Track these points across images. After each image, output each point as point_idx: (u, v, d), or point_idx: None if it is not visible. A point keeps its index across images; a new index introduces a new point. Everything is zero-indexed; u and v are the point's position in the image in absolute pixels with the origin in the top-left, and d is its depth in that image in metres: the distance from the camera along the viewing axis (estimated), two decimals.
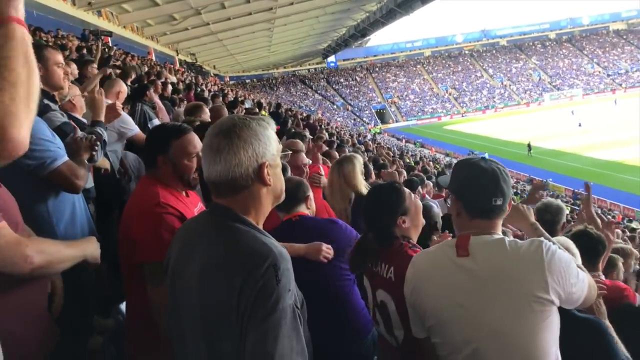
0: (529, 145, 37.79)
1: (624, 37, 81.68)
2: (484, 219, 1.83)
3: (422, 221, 2.39)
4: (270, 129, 1.55)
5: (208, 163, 1.49)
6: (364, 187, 3.89)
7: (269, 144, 1.52)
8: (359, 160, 4.02)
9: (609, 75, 73.23)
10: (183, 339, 1.55)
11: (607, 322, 2.27)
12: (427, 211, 3.42)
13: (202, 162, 1.53)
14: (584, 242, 3.12)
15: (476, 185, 1.84)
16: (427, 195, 6.81)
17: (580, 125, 44.87)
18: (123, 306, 2.80)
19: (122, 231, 2.29)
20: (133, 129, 4.31)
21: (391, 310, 2.16)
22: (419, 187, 6.57)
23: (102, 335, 2.67)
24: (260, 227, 1.54)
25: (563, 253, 1.74)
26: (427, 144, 47.79)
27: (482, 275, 1.73)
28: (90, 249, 2.00)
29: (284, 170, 3.14)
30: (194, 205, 2.36)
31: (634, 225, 16.87)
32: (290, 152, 2.80)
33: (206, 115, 4.94)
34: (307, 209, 2.80)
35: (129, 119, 4.44)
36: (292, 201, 2.71)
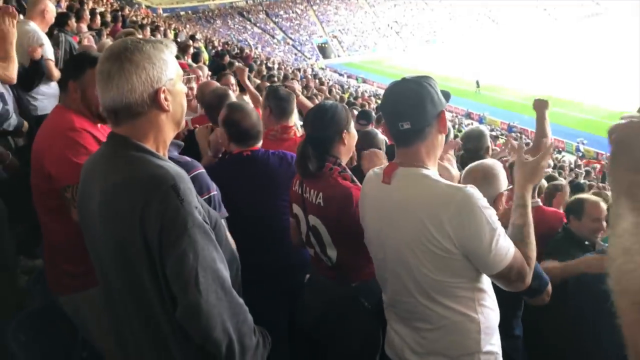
0: (477, 82, 38.17)
1: None
2: (403, 147, 1.76)
3: (353, 148, 2.47)
4: (167, 52, 1.47)
5: (101, 90, 1.43)
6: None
7: (166, 68, 1.45)
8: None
9: (545, 10, 74.37)
10: (105, 273, 1.52)
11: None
12: (373, 137, 3.45)
13: (97, 89, 1.45)
14: None
15: (385, 110, 1.78)
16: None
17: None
18: None
19: (35, 162, 2.20)
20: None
21: (323, 233, 2.27)
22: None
23: (29, 275, 2.61)
24: (162, 154, 1.50)
25: (486, 214, 1.60)
26: (369, 80, 47.72)
27: (395, 204, 1.73)
28: None
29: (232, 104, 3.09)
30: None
31: (562, 155, 17.83)
32: (194, 75, 2.74)
33: None
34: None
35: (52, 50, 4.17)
36: (253, 137, 2.71)
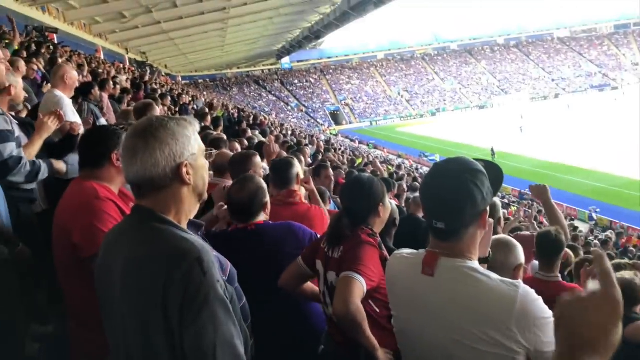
0: (492, 150, 37.36)
1: (567, 44, 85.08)
2: (439, 240, 1.57)
3: (387, 219, 2.52)
4: (190, 129, 1.55)
5: (126, 164, 1.49)
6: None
7: (188, 144, 1.52)
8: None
9: (553, 80, 76.14)
10: (118, 344, 1.53)
11: None
12: None
13: (122, 163, 1.53)
14: (542, 242, 3.34)
15: (422, 200, 1.63)
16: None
17: (521, 130, 45.84)
18: None
19: (58, 236, 2.22)
20: None
21: None
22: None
23: (41, 342, 2.58)
24: (183, 225, 1.54)
25: (541, 305, 1.45)
26: (380, 145, 48.39)
27: (443, 300, 1.53)
28: None
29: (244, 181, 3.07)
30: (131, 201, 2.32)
31: (575, 224, 17.63)
32: (213, 150, 2.75)
33: (157, 113, 4.86)
34: (265, 215, 2.76)
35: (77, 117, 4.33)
36: (248, 213, 2.68)
